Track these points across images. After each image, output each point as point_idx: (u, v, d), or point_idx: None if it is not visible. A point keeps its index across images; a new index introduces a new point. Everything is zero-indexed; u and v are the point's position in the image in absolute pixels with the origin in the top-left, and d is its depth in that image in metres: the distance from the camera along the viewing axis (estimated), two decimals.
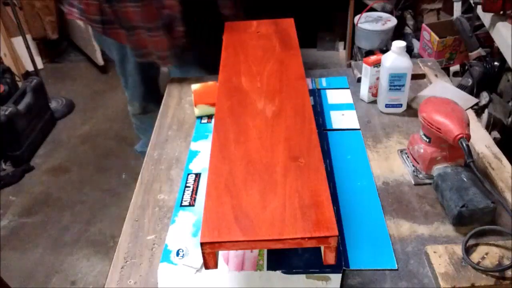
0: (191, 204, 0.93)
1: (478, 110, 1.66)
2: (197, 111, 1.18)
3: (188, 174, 1.01)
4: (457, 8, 1.94)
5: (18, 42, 2.99)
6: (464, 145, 0.82)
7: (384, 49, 2.38)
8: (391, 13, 2.51)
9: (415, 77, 1.25)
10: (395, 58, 1.08)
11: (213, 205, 0.68)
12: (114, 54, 1.62)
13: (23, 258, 1.94)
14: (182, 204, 0.93)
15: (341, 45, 3.16)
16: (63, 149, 2.60)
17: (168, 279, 0.78)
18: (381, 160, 1.02)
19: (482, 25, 1.71)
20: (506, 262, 0.74)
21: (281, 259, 0.78)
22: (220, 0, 1.43)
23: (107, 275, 0.81)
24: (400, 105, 1.15)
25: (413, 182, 0.95)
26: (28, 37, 3.02)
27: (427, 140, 0.91)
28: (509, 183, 0.92)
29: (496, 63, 1.75)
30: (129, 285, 0.79)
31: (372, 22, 2.41)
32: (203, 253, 0.64)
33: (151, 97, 1.84)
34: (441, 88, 1.23)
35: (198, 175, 1.00)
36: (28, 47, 2.71)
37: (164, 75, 1.86)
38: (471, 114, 1.13)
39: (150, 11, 1.30)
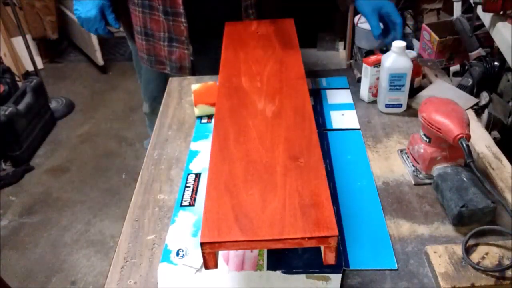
0: (191, 204, 0.93)
1: (478, 110, 1.65)
2: (197, 111, 1.18)
3: (188, 174, 1.01)
4: (457, 8, 1.93)
5: (18, 42, 2.99)
6: (464, 145, 0.82)
7: (384, 49, 2.37)
8: None
9: None
10: (395, 58, 1.08)
11: (213, 205, 0.68)
12: (130, 45, 1.60)
13: (23, 258, 1.94)
14: (182, 204, 0.93)
15: (341, 45, 3.16)
16: (63, 149, 2.60)
17: (168, 279, 0.78)
18: (381, 160, 1.02)
19: (482, 25, 1.71)
20: (506, 262, 0.74)
21: (281, 259, 0.78)
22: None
23: (107, 275, 0.81)
24: (400, 105, 1.15)
25: (413, 182, 0.95)
26: (28, 37, 3.01)
27: (427, 140, 0.91)
28: (509, 183, 0.92)
29: (496, 63, 1.74)
30: (129, 285, 0.79)
31: None
32: (203, 253, 0.64)
33: (161, 99, 1.84)
34: (441, 88, 1.23)
35: (198, 175, 1.00)
36: (28, 47, 2.71)
37: None
38: (471, 114, 1.13)
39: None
